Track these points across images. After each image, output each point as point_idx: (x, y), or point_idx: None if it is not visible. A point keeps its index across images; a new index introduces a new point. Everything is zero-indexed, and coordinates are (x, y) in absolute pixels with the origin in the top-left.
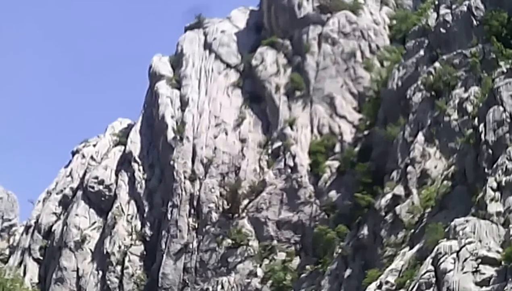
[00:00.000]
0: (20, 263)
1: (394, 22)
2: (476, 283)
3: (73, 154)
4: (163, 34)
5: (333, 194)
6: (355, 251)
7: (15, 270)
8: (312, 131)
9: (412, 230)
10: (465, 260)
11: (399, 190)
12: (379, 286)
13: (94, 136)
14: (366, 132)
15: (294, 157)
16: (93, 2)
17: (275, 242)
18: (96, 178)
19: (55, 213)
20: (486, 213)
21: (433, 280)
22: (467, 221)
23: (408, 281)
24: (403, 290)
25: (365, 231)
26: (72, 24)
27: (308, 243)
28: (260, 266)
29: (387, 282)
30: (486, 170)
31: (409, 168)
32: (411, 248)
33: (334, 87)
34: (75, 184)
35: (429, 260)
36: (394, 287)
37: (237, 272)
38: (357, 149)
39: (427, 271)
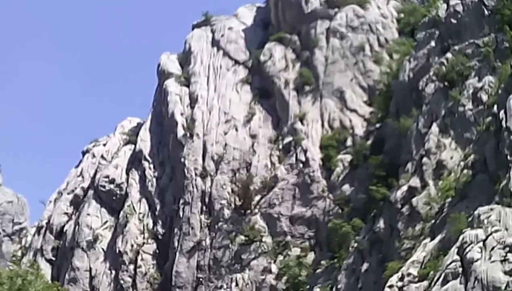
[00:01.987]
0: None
1: (402, 15)
2: (505, 272)
3: (84, 153)
4: (170, 33)
5: (346, 187)
6: (372, 244)
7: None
8: (322, 125)
9: (432, 221)
10: (492, 248)
11: (415, 181)
12: (401, 278)
13: (104, 136)
14: (377, 125)
15: (305, 151)
16: (99, 2)
17: (288, 237)
18: (107, 177)
19: (66, 213)
20: (511, 200)
21: (460, 270)
22: (491, 209)
23: (431, 272)
24: (426, 281)
25: (381, 224)
26: (79, 24)
27: (322, 238)
28: (275, 262)
29: (409, 274)
30: (508, 157)
31: (425, 159)
32: (432, 239)
33: (344, 81)
34: (86, 184)
35: (454, 249)
36: (416, 279)
37: (251, 268)
38: (369, 142)
39: (452, 261)
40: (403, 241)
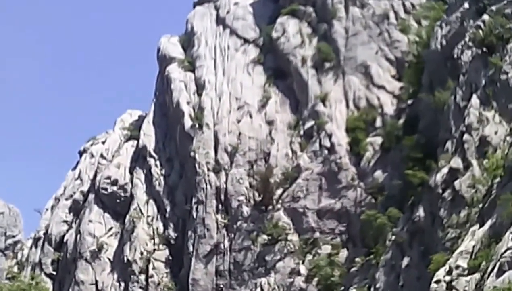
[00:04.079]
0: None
1: None
2: None
3: (81, 153)
4: (169, 12)
5: (378, 174)
6: (412, 236)
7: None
8: (347, 106)
9: (479, 206)
10: None
11: (456, 162)
12: (449, 272)
13: (102, 133)
14: (409, 101)
15: (330, 136)
16: None
17: (317, 234)
18: (109, 178)
19: (65, 221)
20: None
21: None
22: None
23: (483, 263)
24: (478, 273)
25: (420, 212)
26: (66, 8)
27: (355, 232)
28: (303, 262)
29: (457, 267)
30: None
31: (466, 136)
32: (481, 226)
33: (368, 54)
34: (85, 187)
35: (508, 235)
36: (466, 272)
37: (277, 271)
38: (401, 121)
39: (508, 249)
40: (447, 230)
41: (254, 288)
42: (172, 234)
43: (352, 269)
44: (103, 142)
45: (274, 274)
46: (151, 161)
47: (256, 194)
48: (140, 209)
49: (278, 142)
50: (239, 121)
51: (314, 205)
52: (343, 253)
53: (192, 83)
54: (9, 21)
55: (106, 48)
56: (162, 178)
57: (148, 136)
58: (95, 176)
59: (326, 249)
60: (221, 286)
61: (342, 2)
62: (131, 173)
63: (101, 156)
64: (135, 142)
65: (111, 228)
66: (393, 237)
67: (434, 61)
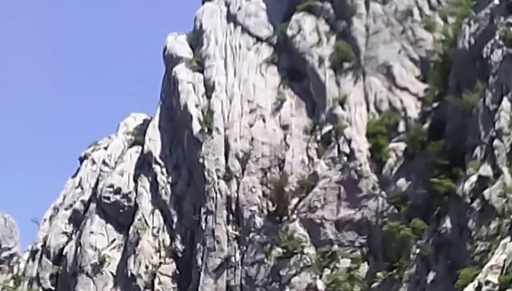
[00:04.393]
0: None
1: None
2: None
3: (81, 160)
4: (177, 9)
5: (402, 182)
6: (438, 249)
7: None
8: (368, 109)
9: (511, 217)
10: None
11: (486, 169)
12: (478, 288)
13: (104, 138)
14: (435, 104)
15: (349, 141)
16: None
17: (335, 246)
18: (111, 186)
19: (65, 233)
20: None
21: None
22: None
23: None
24: (509, 290)
25: (447, 223)
26: (65, 5)
27: (377, 245)
28: (320, 277)
29: (487, 282)
30: None
31: (496, 142)
32: None
33: (390, 54)
34: (86, 196)
35: None
36: (497, 288)
37: (292, 286)
38: (426, 126)
39: None
40: (476, 243)
41: None
42: (180, 247)
43: (373, 285)
44: (106, 148)
45: (289, 289)
46: (157, 168)
47: (270, 204)
48: (145, 220)
49: (294, 148)
50: (251, 126)
51: (332, 216)
52: (364, 268)
53: (201, 84)
54: (9, 19)
55: (109, 47)
56: (168, 186)
57: (154, 142)
58: (96, 184)
59: (345, 263)
60: None
61: None
62: (135, 180)
63: (103, 162)
64: (140, 148)
65: (114, 240)
66: (418, 250)
67: (462, 61)
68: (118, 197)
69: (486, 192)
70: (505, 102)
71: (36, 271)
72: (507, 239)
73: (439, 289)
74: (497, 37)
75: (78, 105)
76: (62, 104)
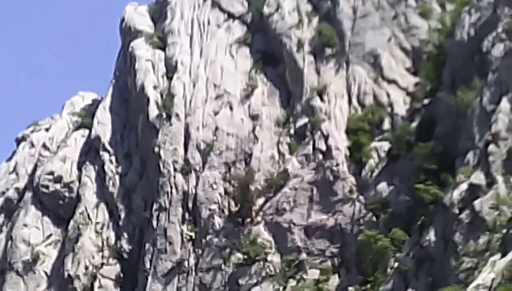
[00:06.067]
0: None
1: None
2: None
3: (18, 142)
4: None
5: (383, 187)
6: (418, 264)
7: None
8: (350, 102)
9: (502, 231)
10: None
11: (478, 177)
12: None
13: (46, 118)
14: (426, 101)
15: (326, 137)
16: None
17: (303, 255)
18: (51, 173)
19: None
20: None
21: None
22: None
23: None
24: None
25: (431, 236)
26: None
27: (350, 256)
28: (284, 288)
29: None
30: None
31: (491, 147)
32: (503, 256)
33: (379, 41)
34: (21, 183)
35: None
36: None
37: None
38: (414, 125)
39: None
40: (462, 259)
41: None
42: (126, 246)
43: None
44: (47, 130)
45: None
46: (105, 156)
47: (232, 203)
48: (88, 214)
49: (263, 142)
50: (216, 114)
51: (302, 220)
52: (334, 280)
53: (162, 63)
54: None
55: (55, 17)
56: (117, 177)
57: (103, 125)
58: (34, 170)
59: (313, 274)
60: None
61: None
62: (79, 169)
63: (44, 146)
64: (87, 131)
65: (51, 235)
66: (396, 264)
67: (459, 54)
68: (58, 186)
69: (476, 203)
70: (504, 103)
71: None
72: (497, 256)
73: None
74: (499, 29)
75: (17, 80)
76: None
